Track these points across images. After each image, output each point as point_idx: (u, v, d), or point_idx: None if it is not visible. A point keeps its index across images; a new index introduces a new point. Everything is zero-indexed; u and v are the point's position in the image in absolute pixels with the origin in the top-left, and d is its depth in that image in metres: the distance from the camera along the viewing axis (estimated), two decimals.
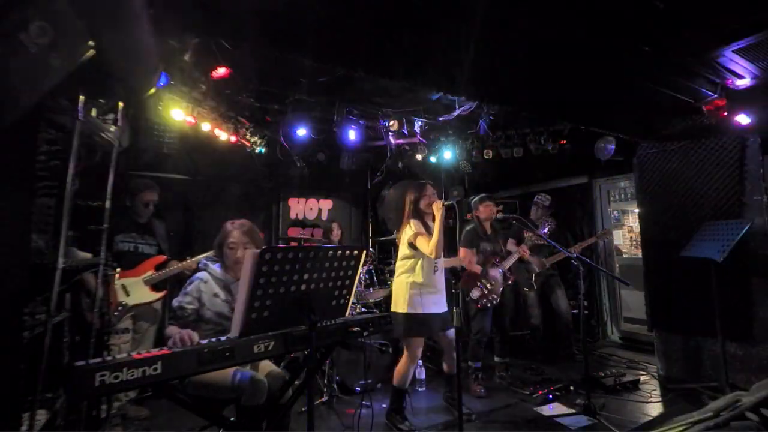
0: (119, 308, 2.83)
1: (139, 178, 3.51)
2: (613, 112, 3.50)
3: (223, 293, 2.12)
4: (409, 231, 2.77)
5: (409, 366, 2.78)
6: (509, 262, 3.69)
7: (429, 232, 2.80)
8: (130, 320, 3.01)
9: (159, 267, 3.15)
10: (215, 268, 2.19)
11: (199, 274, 2.15)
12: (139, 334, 3.11)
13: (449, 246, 3.12)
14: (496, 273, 3.59)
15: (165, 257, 3.24)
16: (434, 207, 2.72)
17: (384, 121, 4.61)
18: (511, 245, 4.05)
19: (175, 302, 2.06)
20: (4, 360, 1.70)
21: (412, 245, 2.77)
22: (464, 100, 4.05)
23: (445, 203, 2.69)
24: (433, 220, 2.82)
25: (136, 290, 2.98)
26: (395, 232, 3.00)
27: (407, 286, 2.76)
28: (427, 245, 2.66)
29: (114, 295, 2.79)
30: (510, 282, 3.76)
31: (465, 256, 3.55)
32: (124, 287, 2.93)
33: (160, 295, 3.11)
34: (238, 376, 1.96)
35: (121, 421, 2.89)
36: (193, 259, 3.21)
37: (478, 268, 3.54)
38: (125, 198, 3.22)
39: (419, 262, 2.79)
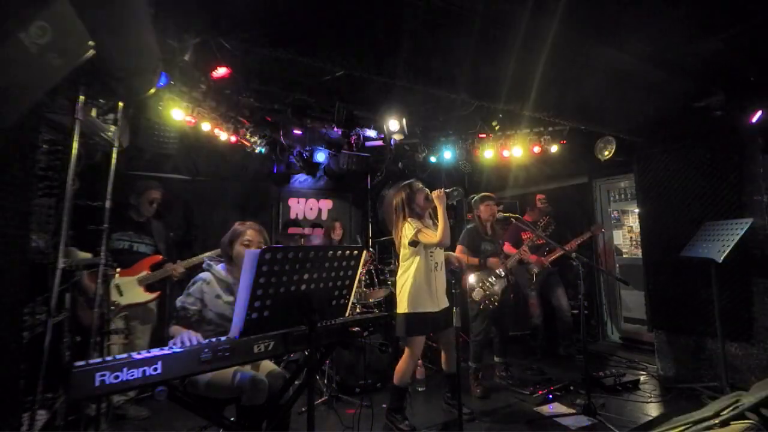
0: (111, 308, 2.79)
1: (143, 178, 3.53)
2: (613, 112, 3.49)
3: (225, 294, 2.12)
4: (408, 231, 2.76)
5: (410, 365, 2.78)
6: (510, 263, 3.68)
7: (428, 227, 2.80)
8: (122, 321, 2.96)
9: (154, 267, 3.11)
10: (219, 269, 2.18)
11: (202, 275, 2.15)
12: (132, 335, 3.05)
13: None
14: (496, 274, 3.59)
15: (161, 257, 3.21)
16: (435, 195, 2.72)
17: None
18: (508, 249, 4.05)
19: (178, 302, 2.06)
20: (4, 360, 1.70)
21: (414, 243, 2.77)
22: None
23: (446, 191, 2.70)
24: (431, 217, 2.82)
25: (129, 290, 2.94)
26: (393, 231, 2.99)
27: (407, 286, 2.77)
28: (434, 235, 2.66)
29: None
30: (511, 282, 3.76)
31: (460, 253, 3.57)
32: (117, 287, 2.89)
33: (153, 295, 3.07)
34: (238, 376, 1.96)
35: (116, 420, 2.88)
36: (182, 262, 3.20)
37: (474, 260, 3.54)
38: (130, 196, 3.21)
39: (417, 260, 2.78)
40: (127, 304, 2.93)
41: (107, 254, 2.47)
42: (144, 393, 3.16)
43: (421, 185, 2.90)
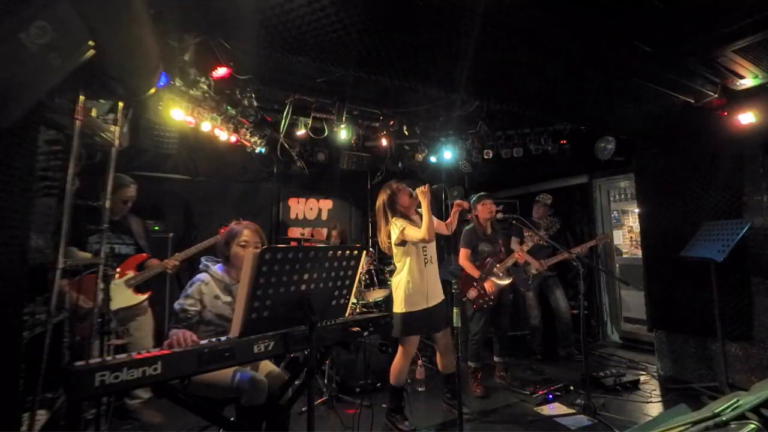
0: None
1: (117, 174, 3.17)
2: (613, 112, 3.49)
3: (224, 295, 2.12)
4: (394, 230, 2.77)
5: (405, 363, 2.79)
6: (508, 263, 3.68)
7: (415, 224, 2.80)
8: (116, 323, 2.83)
9: (139, 267, 3.02)
10: (216, 269, 2.18)
11: (200, 276, 2.14)
12: (131, 336, 2.96)
13: (450, 247, 3.14)
14: (493, 274, 3.58)
15: (145, 255, 3.09)
16: (419, 192, 2.73)
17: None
18: (514, 244, 4.05)
19: (176, 305, 2.05)
20: (4, 360, 1.70)
21: (402, 243, 2.78)
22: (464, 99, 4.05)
23: (434, 187, 2.72)
24: (418, 214, 2.83)
25: (117, 294, 2.77)
26: (378, 236, 2.96)
27: (402, 287, 2.77)
28: (418, 232, 2.68)
29: (91, 300, 2.56)
30: (509, 282, 3.75)
31: (464, 257, 3.58)
32: None
33: (143, 297, 2.98)
34: (238, 376, 1.96)
35: (118, 421, 2.87)
36: (176, 255, 3.13)
37: (477, 272, 3.54)
38: (100, 195, 2.99)
39: (409, 259, 2.79)
40: (118, 309, 2.78)
41: (106, 254, 2.47)
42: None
43: (402, 185, 2.88)
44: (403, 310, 2.73)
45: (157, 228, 4.11)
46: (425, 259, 2.81)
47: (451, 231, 3.03)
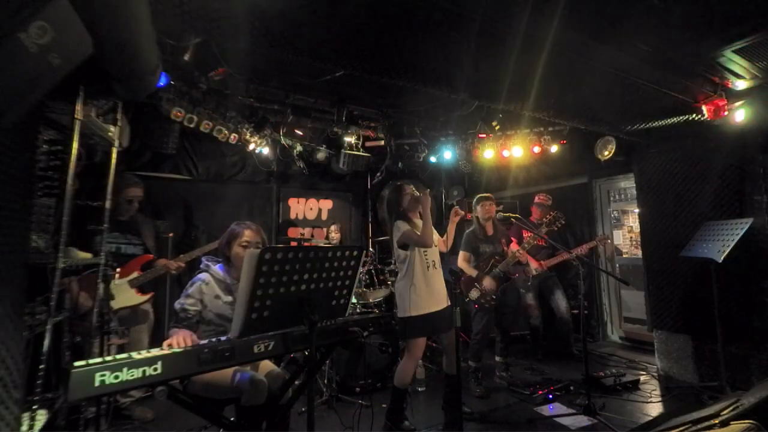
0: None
1: (123, 174, 3.25)
2: (613, 113, 3.49)
3: (224, 295, 2.12)
4: (396, 232, 2.79)
5: (411, 366, 2.78)
6: (509, 263, 3.67)
7: (416, 227, 2.81)
8: (116, 323, 2.85)
9: (145, 267, 3.04)
10: (217, 269, 2.18)
11: (200, 276, 2.14)
12: (128, 337, 2.96)
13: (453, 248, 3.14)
14: (493, 275, 3.58)
15: (151, 256, 3.11)
16: (421, 196, 2.77)
17: None
18: (513, 243, 4.05)
19: (177, 305, 2.05)
20: (4, 360, 1.70)
21: (403, 246, 2.79)
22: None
23: (432, 193, 2.74)
24: (420, 217, 2.84)
25: (120, 293, 2.81)
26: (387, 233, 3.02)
27: (407, 290, 2.76)
28: (417, 236, 2.71)
29: (93, 299, 2.59)
30: (509, 281, 3.76)
31: (463, 260, 3.62)
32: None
33: (146, 297, 3.01)
34: (238, 376, 1.96)
35: (120, 420, 2.88)
36: (181, 256, 3.16)
37: (474, 272, 3.55)
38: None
39: (412, 262, 2.79)
40: (119, 308, 2.82)
41: (107, 254, 2.47)
42: (147, 392, 3.14)
43: (409, 188, 2.92)
44: (409, 315, 2.73)
45: (162, 228, 4.11)
46: (427, 263, 2.81)
47: (447, 248, 3.02)
